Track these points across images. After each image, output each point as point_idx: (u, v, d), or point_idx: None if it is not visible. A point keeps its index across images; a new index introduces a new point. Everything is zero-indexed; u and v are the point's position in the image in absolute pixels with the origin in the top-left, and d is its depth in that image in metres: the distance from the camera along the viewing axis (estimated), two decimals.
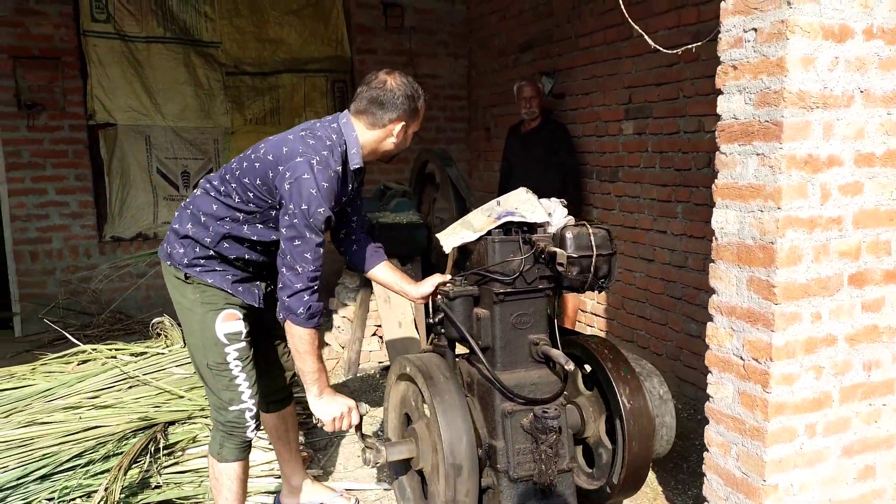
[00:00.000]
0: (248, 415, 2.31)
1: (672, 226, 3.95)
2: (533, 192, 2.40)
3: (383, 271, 2.53)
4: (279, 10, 5.89)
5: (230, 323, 2.26)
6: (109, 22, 5.43)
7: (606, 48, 4.42)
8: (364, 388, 4.10)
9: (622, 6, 2.53)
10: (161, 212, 5.72)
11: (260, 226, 2.24)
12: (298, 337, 2.12)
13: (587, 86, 4.63)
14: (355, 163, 2.22)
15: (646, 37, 2.43)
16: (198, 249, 2.25)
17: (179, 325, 2.60)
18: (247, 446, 2.38)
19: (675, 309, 3.95)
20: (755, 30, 1.93)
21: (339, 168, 2.13)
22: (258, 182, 2.15)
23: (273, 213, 2.19)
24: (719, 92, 2.07)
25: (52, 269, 5.40)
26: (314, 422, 2.48)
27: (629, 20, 2.55)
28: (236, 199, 2.20)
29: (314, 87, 6.10)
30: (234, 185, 2.21)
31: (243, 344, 2.29)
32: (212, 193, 2.26)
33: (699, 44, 2.35)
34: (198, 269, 2.25)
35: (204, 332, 2.25)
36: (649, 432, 2.35)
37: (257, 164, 2.15)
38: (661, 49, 2.43)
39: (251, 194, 2.18)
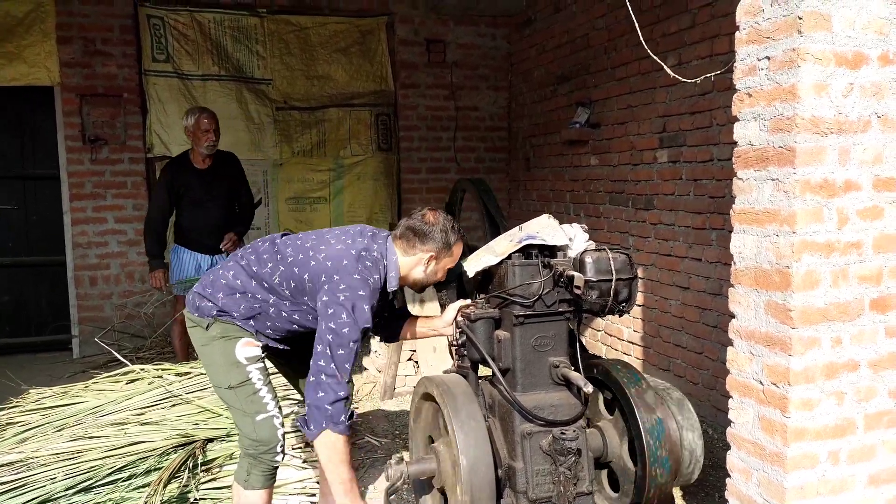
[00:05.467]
0: (276, 422, 2.31)
1: (707, 253, 3.93)
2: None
3: (411, 327, 2.66)
4: (328, 49, 6.14)
5: (249, 348, 2.33)
6: (168, 62, 5.77)
7: (641, 78, 4.47)
8: (399, 413, 4.17)
9: (643, 40, 2.59)
10: None
11: (289, 312, 2.33)
12: (334, 445, 2.14)
13: (622, 115, 4.68)
14: (392, 286, 2.35)
15: (666, 67, 2.49)
16: (226, 311, 2.34)
17: None
18: (273, 474, 2.40)
19: (711, 337, 3.91)
20: (768, 58, 1.96)
21: (380, 289, 2.27)
22: (306, 277, 2.25)
23: (298, 306, 2.30)
24: (736, 119, 2.10)
25: (109, 293, 5.69)
26: None
27: (650, 53, 2.61)
28: (275, 280, 2.30)
29: (359, 121, 6.31)
30: (280, 268, 2.30)
31: (262, 365, 2.36)
32: (249, 270, 2.35)
33: (717, 73, 2.39)
34: (225, 316, 2.34)
35: (225, 357, 2.32)
36: (672, 457, 2.34)
37: (312, 263, 2.25)
38: (680, 79, 2.48)
39: (293, 284, 2.28)
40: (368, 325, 2.18)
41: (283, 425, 2.36)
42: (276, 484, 2.98)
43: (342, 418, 2.13)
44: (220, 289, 2.35)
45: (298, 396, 3.02)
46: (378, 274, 2.24)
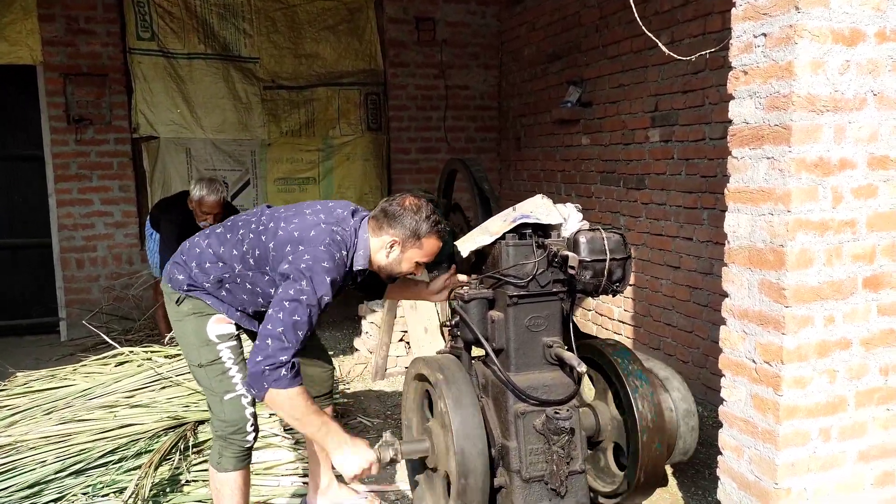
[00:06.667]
0: (244, 402, 2.28)
1: (698, 233, 3.93)
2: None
3: (397, 288, 2.63)
4: (315, 27, 6.06)
5: (221, 325, 2.30)
6: (153, 40, 5.67)
7: (633, 56, 4.44)
8: (391, 393, 4.17)
9: (637, 17, 2.56)
10: None
11: (252, 282, 2.27)
12: (289, 401, 2.01)
13: (614, 94, 4.65)
14: (359, 265, 2.25)
15: (660, 44, 2.46)
16: (197, 283, 2.30)
17: None
18: (245, 455, 2.35)
19: (702, 316, 3.92)
20: (765, 35, 1.94)
21: (347, 265, 2.20)
22: (271, 245, 2.18)
23: (261, 276, 2.23)
24: (731, 97, 2.08)
25: (96, 276, 5.63)
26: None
27: (646, 31, 2.58)
28: (244, 248, 2.24)
29: (348, 100, 6.25)
30: (250, 236, 2.24)
31: (235, 343, 2.32)
32: (222, 237, 2.31)
33: (712, 51, 2.37)
34: (196, 291, 2.30)
35: (197, 335, 2.29)
36: (665, 433, 2.35)
37: (280, 233, 2.18)
38: (675, 56, 2.45)
39: (258, 252, 2.21)
40: (328, 298, 2.08)
41: (252, 404, 2.32)
42: (269, 465, 3.00)
43: (283, 373, 1.97)
44: (193, 257, 2.32)
45: None
46: (346, 250, 2.17)
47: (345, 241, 2.18)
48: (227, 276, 2.28)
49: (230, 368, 2.30)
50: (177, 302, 2.32)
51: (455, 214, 4.64)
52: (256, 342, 2.05)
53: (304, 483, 2.92)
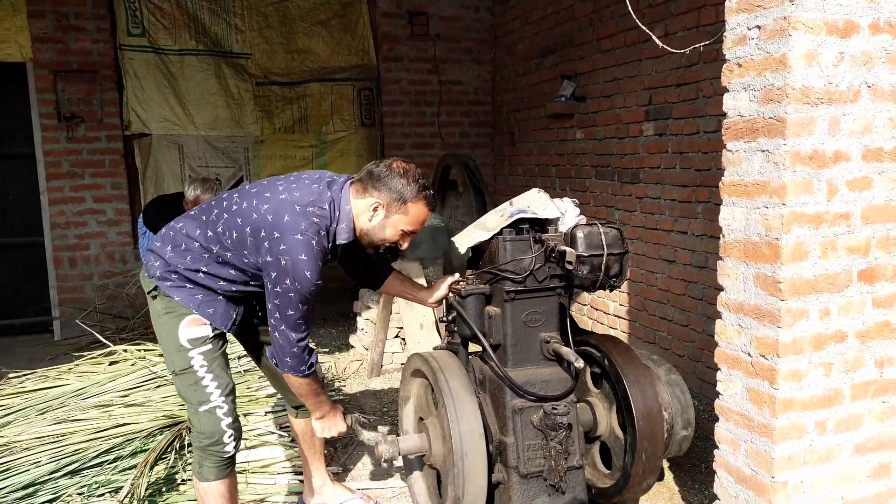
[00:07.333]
0: (219, 413, 2.20)
1: (693, 226, 3.93)
2: None
3: (395, 283, 2.58)
4: (307, 22, 6.02)
5: (193, 328, 2.19)
6: (144, 36, 5.63)
7: (627, 50, 4.43)
8: (387, 390, 4.16)
9: (631, 10, 2.55)
10: None
11: (231, 263, 2.19)
12: (300, 385, 2.24)
13: (608, 88, 4.64)
14: (343, 238, 2.16)
15: (654, 38, 2.45)
16: (171, 266, 2.21)
17: None
18: (227, 464, 2.27)
19: (697, 310, 3.93)
20: (759, 27, 1.94)
21: (329, 245, 2.13)
22: (248, 231, 2.10)
23: (239, 258, 2.16)
24: (725, 90, 2.08)
25: (89, 274, 5.60)
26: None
27: (639, 24, 2.57)
28: (219, 228, 2.16)
29: (341, 96, 6.22)
30: (224, 216, 2.16)
31: (209, 347, 2.21)
32: (198, 219, 2.23)
33: (706, 43, 2.36)
34: (168, 283, 2.20)
35: (171, 338, 2.20)
36: (661, 427, 2.35)
37: (254, 216, 2.09)
38: (669, 49, 2.45)
39: (235, 235, 2.13)
40: (315, 286, 2.05)
41: (229, 414, 2.23)
42: (265, 463, 2.99)
43: (303, 368, 2.17)
44: (168, 241, 2.22)
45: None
46: (324, 231, 2.08)
47: (322, 222, 2.08)
48: (205, 256, 2.18)
49: (203, 378, 2.20)
50: (152, 295, 2.23)
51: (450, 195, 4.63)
52: (270, 328, 2.14)
53: (299, 481, 2.92)
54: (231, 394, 2.26)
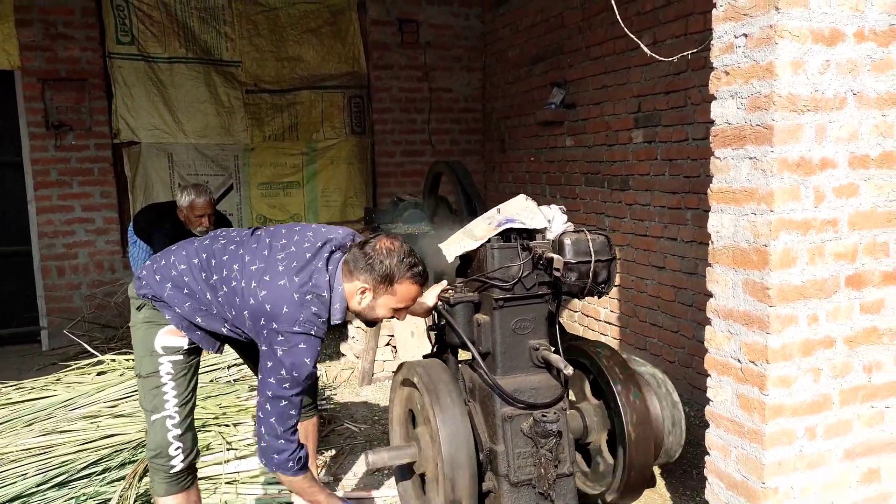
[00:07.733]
0: (168, 424, 2.15)
1: (682, 233, 3.95)
2: None
3: None
4: (297, 30, 6.02)
5: (171, 337, 2.17)
6: (133, 44, 5.61)
7: (616, 58, 4.45)
8: (378, 398, 4.14)
9: (620, 18, 2.56)
10: None
11: (230, 326, 2.18)
12: (291, 483, 2.14)
13: (598, 95, 4.66)
14: (336, 319, 2.12)
15: (642, 45, 2.46)
16: (167, 304, 2.17)
17: None
18: (175, 479, 2.20)
19: (687, 316, 3.94)
20: (745, 35, 1.95)
21: (326, 329, 2.10)
22: (246, 314, 2.08)
23: (237, 327, 2.15)
24: (713, 97, 2.09)
25: (77, 283, 5.56)
26: None
27: (628, 32, 2.59)
28: (219, 297, 2.13)
29: (332, 103, 6.22)
30: (224, 289, 2.13)
31: (180, 358, 2.18)
32: (198, 275, 2.17)
33: (694, 51, 2.38)
34: (159, 303, 2.18)
35: (144, 343, 2.18)
36: (651, 434, 2.35)
37: (251, 302, 2.05)
38: (657, 57, 2.46)
39: (234, 313, 2.12)
40: (311, 373, 2.03)
41: (179, 426, 2.17)
42: (253, 474, 2.96)
43: (290, 465, 2.06)
44: (168, 279, 2.17)
45: None
46: (322, 316, 2.05)
47: (321, 310, 2.05)
48: (203, 309, 2.16)
49: (165, 384, 2.17)
50: (138, 308, 2.21)
51: (441, 207, 4.63)
52: (256, 424, 2.08)
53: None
54: (187, 406, 2.21)
